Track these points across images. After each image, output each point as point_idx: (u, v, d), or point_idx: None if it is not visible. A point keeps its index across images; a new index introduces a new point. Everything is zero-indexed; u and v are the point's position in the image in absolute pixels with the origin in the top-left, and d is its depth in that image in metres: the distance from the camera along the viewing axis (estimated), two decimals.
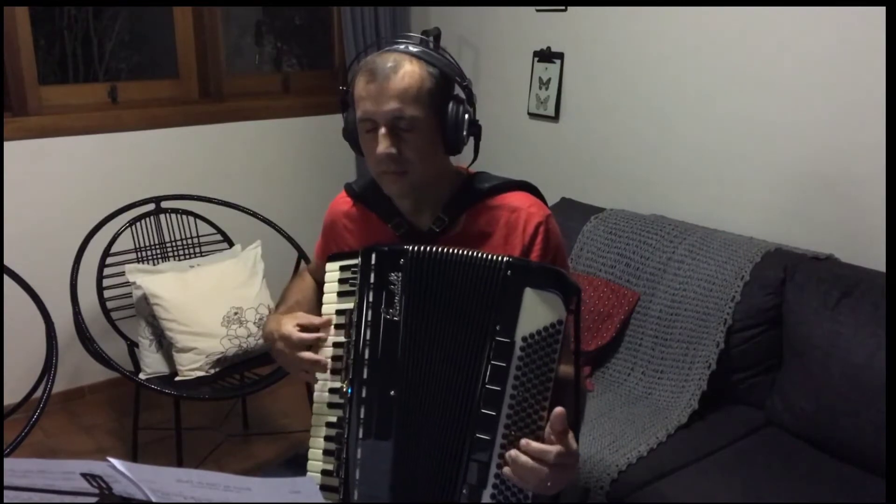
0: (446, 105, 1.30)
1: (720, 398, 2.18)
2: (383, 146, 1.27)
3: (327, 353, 1.33)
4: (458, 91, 1.34)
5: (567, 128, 3.00)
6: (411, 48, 1.29)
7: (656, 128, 2.69)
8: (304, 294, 1.55)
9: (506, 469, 1.16)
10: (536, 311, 1.17)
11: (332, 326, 1.34)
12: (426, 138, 1.29)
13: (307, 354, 1.31)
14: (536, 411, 1.16)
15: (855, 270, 2.08)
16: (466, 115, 1.32)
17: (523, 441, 1.14)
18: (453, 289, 1.23)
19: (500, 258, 1.21)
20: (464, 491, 1.21)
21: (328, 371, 1.33)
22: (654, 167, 2.71)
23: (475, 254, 1.23)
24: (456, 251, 1.25)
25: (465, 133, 1.32)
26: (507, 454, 1.16)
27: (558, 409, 1.13)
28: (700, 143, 2.57)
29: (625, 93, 2.76)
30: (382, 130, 1.27)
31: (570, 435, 1.15)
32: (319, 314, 1.37)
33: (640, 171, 2.76)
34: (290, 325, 1.34)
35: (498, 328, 1.19)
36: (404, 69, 1.26)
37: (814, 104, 2.25)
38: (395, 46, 1.30)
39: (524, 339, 1.17)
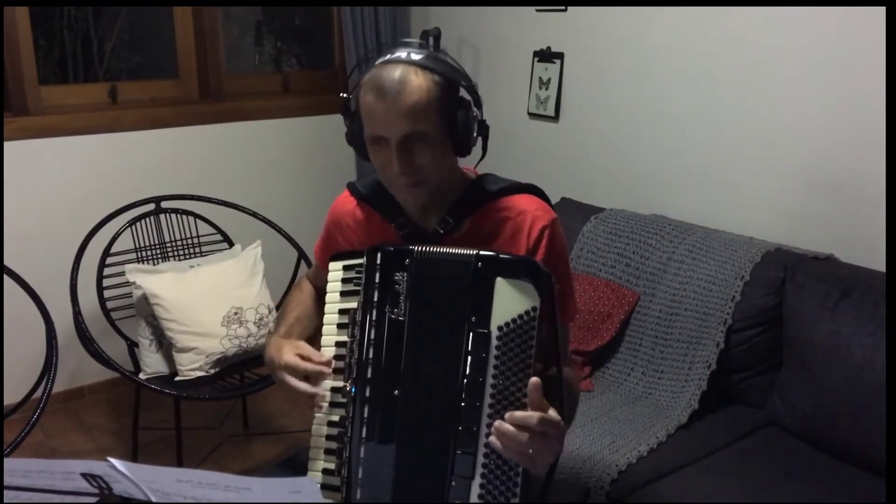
0: (454, 109, 1.29)
1: (720, 398, 2.18)
2: (397, 166, 1.27)
3: (327, 385, 1.34)
4: (463, 92, 1.33)
5: (567, 128, 3.00)
6: (414, 56, 1.28)
7: (656, 128, 2.69)
8: (303, 308, 1.55)
9: (491, 438, 1.17)
10: (510, 300, 1.19)
11: (332, 370, 1.34)
12: (437, 146, 1.29)
13: (304, 386, 1.32)
14: (518, 399, 1.18)
15: (855, 270, 2.08)
16: (475, 118, 1.31)
17: (507, 413, 1.15)
18: (446, 287, 1.25)
19: (471, 252, 1.23)
20: (452, 483, 1.22)
21: (328, 392, 1.34)
22: (654, 167, 2.72)
23: (453, 250, 1.25)
24: (450, 250, 1.26)
25: (474, 135, 1.32)
26: (493, 425, 1.17)
27: (533, 380, 1.14)
28: (700, 143, 2.57)
29: (624, 92, 2.76)
30: (395, 149, 1.27)
31: (553, 409, 1.15)
32: (320, 324, 1.38)
33: (640, 171, 2.76)
34: (291, 355, 1.34)
35: (474, 320, 1.21)
36: (411, 84, 1.24)
37: (814, 104, 2.25)
38: (398, 55, 1.28)
39: (500, 328, 1.19)
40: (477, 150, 1.39)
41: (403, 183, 1.31)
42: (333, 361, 1.33)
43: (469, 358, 1.21)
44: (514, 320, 1.18)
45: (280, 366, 1.35)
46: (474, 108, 1.32)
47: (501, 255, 1.23)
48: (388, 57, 1.30)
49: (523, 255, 1.35)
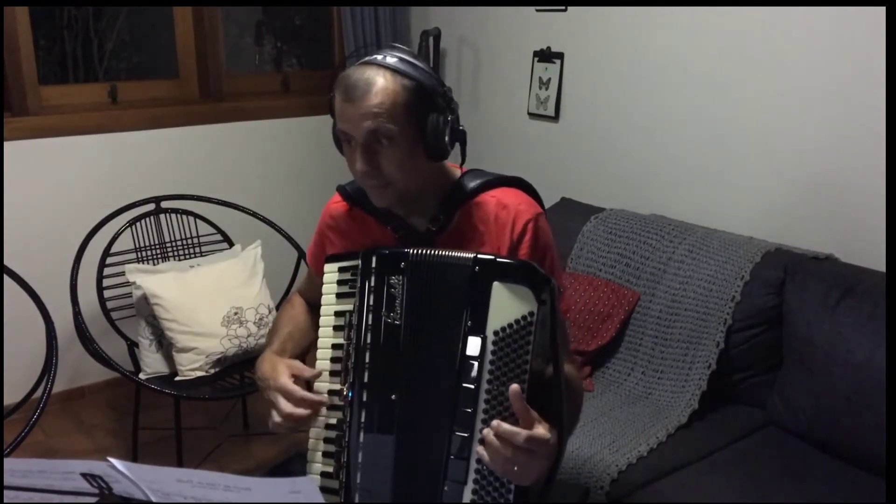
0: (426, 115, 1.28)
1: (720, 398, 2.18)
2: (360, 164, 1.28)
3: (323, 388, 1.34)
4: (437, 98, 1.31)
5: (567, 128, 3.00)
6: (389, 59, 1.27)
7: (656, 128, 2.69)
8: (294, 323, 1.54)
9: (479, 448, 1.17)
10: (506, 305, 1.18)
11: (328, 373, 1.34)
12: (404, 151, 1.28)
13: (298, 411, 1.30)
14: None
15: (855, 270, 2.08)
16: (448, 124, 1.30)
17: (494, 422, 1.15)
18: (442, 290, 1.25)
19: (468, 255, 1.22)
20: (445, 488, 1.21)
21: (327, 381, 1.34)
22: (655, 167, 2.71)
23: (451, 253, 1.25)
24: (447, 253, 1.26)
25: (446, 140, 1.31)
26: (483, 433, 1.17)
27: (513, 387, 1.14)
28: (700, 143, 2.57)
29: (625, 93, 2.76)
30: (359, 148, 1.28)
31: (543, 424, 1.15)
32: (314, 339, 1.38)
33: (640, 171, 2.76)
34: (286, 377, 1.33)
35: (470, 324, 1.20)
36: (377, 87, 1.24)
37: (814, 104, 2.25)
38: (374, 58, 1.28)
39: (496, 332, 1.18)
40: (459, 155, 1.39)
41: (370, 184, 1.32)
42: (330, 364, 1.33)
43: (464, 362, 1.20)
44: (510, 325, 1.18)
45: (274, 387, 1.33)
46: (447, 114, 1.31)
47: (499, 259, 1.23)
48: (365, 59, 1.30)
49: (507, 252, 1.35)
